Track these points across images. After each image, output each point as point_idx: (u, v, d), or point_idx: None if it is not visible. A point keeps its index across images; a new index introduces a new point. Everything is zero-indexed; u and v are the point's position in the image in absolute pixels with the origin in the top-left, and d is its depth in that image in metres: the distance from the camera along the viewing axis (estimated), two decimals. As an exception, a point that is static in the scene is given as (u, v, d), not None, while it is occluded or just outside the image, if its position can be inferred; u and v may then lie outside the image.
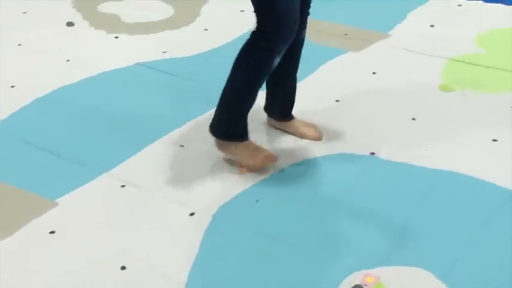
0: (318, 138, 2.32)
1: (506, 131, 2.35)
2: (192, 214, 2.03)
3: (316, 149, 2.29)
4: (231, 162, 2.23)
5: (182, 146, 2.34)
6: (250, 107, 2.15)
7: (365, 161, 2.24)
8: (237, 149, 2.17)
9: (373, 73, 2.75)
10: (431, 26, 3.09)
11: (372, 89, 2.64)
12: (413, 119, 2.44)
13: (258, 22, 2.05)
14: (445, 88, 2.62)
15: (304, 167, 2.22)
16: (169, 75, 2.80)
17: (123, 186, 2.16)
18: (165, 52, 2.97)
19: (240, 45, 2.96)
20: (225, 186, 2.14)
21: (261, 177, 2.17)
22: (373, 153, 2.27)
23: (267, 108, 2.37)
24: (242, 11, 3.30)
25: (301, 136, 2.33)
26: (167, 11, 3.37)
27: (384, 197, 2.08)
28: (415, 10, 3.23)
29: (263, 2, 2.00)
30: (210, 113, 2.51)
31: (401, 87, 2.65)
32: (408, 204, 2.04)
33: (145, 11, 3.36)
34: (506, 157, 2.22)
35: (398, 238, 1.92)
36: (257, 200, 2.08)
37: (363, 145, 2.31)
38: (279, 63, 2.09)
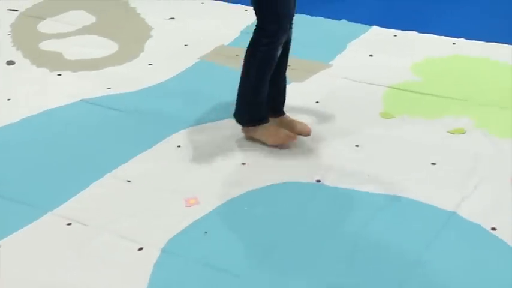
0: (308, 133, 2.54)
1: (444, 154, 2.44)
2: (140, 249, 2.02)
3: (263, 178, 2.32)
4: (178, 195, 2.23)
5: (129, 181, 2.33)
6: (266, 93, 2.46)
7: (311, 188, 2.28)
8: (262, 131, 2.48)
9: (317, 102, 2.82)
10: (370, 55, 3.19)
11: (316, 117, 2.70)
12: (357, 145, 2.51)
13: (259, 21, 2.36)
14: (385, 115, 2.71)
15: (252, 196, 2.24)
16: (114, 110, 2.79)
17: (69, 224, 2.13)
18: (109, 88, 2.96)
19: (185, 78, 3.02)
20: (173, 220, 2.13)
21: (208, 209, 2.18)
22: (319, 181, 2.31)
23: None
24: (186, 45, 3.34)
25: (292, 130, 2.54)
26: (111, 47, 3.37)
27: (331, 223, 2.11)
28: (354, 41, 3.34)
29: (265, 6, 2.32)
30: (157, 146, 2.53)
31: (344, 115, 2.71)
32: (355, 229, 2.08)
33: (88, 48, 3.35)
34: (445, 179, 2.30)
35: (347, 263, 1.95)
36: (206, 232, 2.08)
37: (309, 173, 2.35)
38: None
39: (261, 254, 1.99)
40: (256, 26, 2.38)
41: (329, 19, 3.59)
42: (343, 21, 3.57)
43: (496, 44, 3.23)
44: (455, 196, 2.20)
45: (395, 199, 2.20)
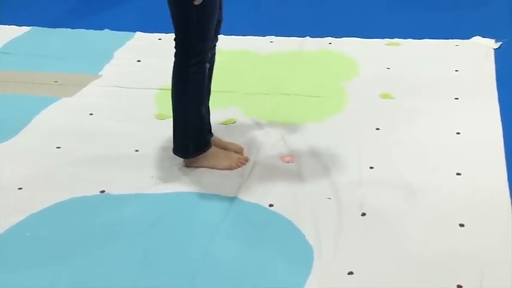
0: (241, 150, 2.43)
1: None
2: None
3: (42, 199, 2.23)
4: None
5: None
6: (205, 115, 2.31)
7: (97, 200, 2.25)
8: (211, 157, 2.34)
9: (91, 114, 2.78)
10: (138, 61, 3.23)
11: (93, 130, 2.67)
12: (137, 150, 2.53)
13: (184, 40, 2.17)
14: (160, 116, 2.76)
15: (33, 220, 2.15)
16: None
17: None
18: None
19: None
20: None
21: None
22: (103, 191, 2.29)
23: None
24: None
25: (225, 149, 2.42)
26: None
27: (120, 229, 2.11)
28: (120, 49, 3.34)
29: (194, 22, 2.12)
30: None
31: (121, 122, 2.72)
32: (144, 230, 2.10)
33: None
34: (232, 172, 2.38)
35: (141, 265, 1.97)
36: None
37: (93, 184, 2.32)
38: None
39: (50, 277, 1.92)
40: (178, 46, 2.19)
41: (91, 30, 3.55)
42: (106, 30, 3.55)
43: (253, 37, 3.47)
44: (235, 183, 2.32)
45: (180, 196, 2.27)
